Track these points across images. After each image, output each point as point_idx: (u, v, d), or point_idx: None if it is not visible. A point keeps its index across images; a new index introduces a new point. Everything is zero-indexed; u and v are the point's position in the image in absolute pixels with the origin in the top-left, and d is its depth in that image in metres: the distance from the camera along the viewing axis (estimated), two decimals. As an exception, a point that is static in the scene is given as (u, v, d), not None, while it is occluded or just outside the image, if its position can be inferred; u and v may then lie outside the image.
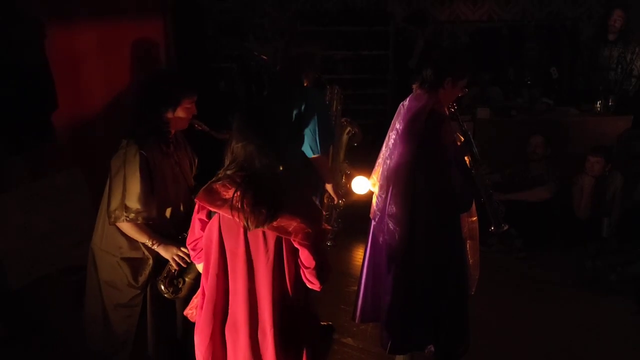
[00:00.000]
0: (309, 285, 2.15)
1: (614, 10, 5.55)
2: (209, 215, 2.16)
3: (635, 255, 4.32)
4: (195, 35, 5.49)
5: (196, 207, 2.17)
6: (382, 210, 2.95)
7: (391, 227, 2.89)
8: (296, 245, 2.06)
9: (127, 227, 2.61)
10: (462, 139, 3.05)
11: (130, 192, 2.54)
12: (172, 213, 2.74)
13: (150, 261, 2.71)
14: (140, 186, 2.54)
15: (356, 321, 3.29)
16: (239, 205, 1.99)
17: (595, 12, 6.88)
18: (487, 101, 5.82)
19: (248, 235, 2.08)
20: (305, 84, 3.27)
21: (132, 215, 2.55)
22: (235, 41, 6.16)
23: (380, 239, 2.99)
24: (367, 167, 3.20)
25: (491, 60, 6.52)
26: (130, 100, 3.82)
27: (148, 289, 2.75)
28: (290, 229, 2.02)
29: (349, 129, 3.72)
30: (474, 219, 3.09)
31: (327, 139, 3.26)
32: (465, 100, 5.95)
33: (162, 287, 2.69)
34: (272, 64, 5.03)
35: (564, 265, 4.58)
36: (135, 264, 2.71)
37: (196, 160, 2.91)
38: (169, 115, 2.63)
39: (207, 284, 2.16)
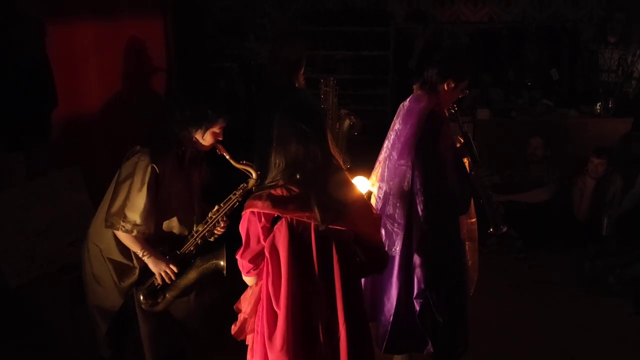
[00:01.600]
0: (378, 270, 2.32)
1: (613, 13, 5.56)
2: (273, 222, 2.08)
3: (634, 257, 4.31)
4: (195, 34, 5.49)
5: (252, 217, 2.06)
6: (381, 210, 2.94)
7: (389, 228, 2.89)
8: (366, 237, 2.12)
9: (122, 236, 2.57)
10: (462, 140, 3.04)
11: (132, 204, 2.49)
12: (169, 228, 2.69)
13: (137, 270, 2.67)
14: (145, 201, 2.48)
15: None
16: (313, 206, 1.98)
17: (596, 14, 6.88)
18: (488, 102, 5.82)
19: (318, 235, 2.05)
20: (296, 85, 3.23)
21: (128, 227, 2.50)
22: (235, 41, 6.16)
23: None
24: (367, 167, 3.19)
25: (491, 61, 6.52)
26: (158, 108, 3.78)
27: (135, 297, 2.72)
28: (361, 221, 2.09)
29: (347, 120, 3.69)
30: (473, 220, 3.08)
31: None
32: (466, 101, 5.95)
33: (141, 297, 2.66)
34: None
35: (563, 266, 4.58)
36: (121, 267, 2.68)
37: (206, 174, 2.80)
38: (196, 136, 2.54)
39: (279, 293, 2.07)
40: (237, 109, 5.23)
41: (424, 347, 3.04)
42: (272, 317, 2.11)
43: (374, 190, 3.09)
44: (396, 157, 2.87)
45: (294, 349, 2.08)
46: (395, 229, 2.86)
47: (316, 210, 1.98)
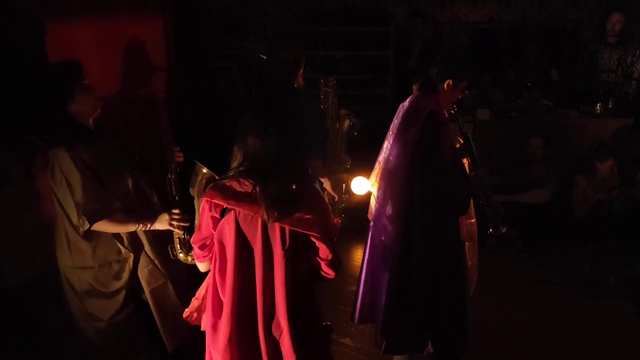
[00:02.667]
0: (325, 276, 2.19)
1: (612, 13, 5.56)
2: (222, 212, 2.14)
3: (634, 257, 4.32)
4: (196, 34, 5.48)
5: (205, 205, 2.14)
6: (380, 211, 2.94)
7: (388, 228, 2.89)
8: (313, 239, 2.09)
9: (107, 226, 2.51)
10: (462, 141, 3.04)
11: (82, 196, 2.44)
12: (130, 199, 2.64)
13: (131, 259, 2.66)
14: (86, 184, 2.44)
15: (355, 322, 3.28)
16: (261, 200, 2.00)
17: (596, 14, 6.88)
18: (488, 102, 5.82)
19: (266, 229, 2.08)
20: (295, 85, 3.22)
21: (96, 216, 2.45)
22: (235, 41, 6.15)
23: (378, 239, 2.99)
24: (367, 168, 3.19)
25: (491, 61, 6.52)
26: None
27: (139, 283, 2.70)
28: (308, 223, 2.05)
29: (347, 121, 3.69)
30: (473, 221, 3.08)
31: (320, 142, 3.23)
32: (466, 101, 5.95)
33: (183, 256, 2.64)
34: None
35: (563, 266, 4.58)
36: (114, 267, 2.65)
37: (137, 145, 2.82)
38: (72, 106, 2.48)
39: (224, 283, 2.15)
40: (236, 109, 5.22)
41: (423, 347, 3.04)
42: (218, 305, 2.19)
43: (374, 190, 3.08)
44: (396, 158, 2.86)
45: (237, 340, 2.15)
46: (395, 229, 2.86)
47: (263, 207, 2.01)
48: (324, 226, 2.08)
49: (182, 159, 2.76)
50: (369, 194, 3.17)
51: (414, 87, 2.94)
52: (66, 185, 2.45)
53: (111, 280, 2.66)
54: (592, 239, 4.61)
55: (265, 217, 2.02)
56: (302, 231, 2.07)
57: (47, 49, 3.54)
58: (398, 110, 2.99)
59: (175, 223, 2.60)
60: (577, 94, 6.04)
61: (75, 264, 2.64)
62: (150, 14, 4.73)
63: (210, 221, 2.16)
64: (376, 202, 2.99)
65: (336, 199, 3.49)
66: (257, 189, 2.02)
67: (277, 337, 2.15)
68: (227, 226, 2.12)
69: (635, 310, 3.97)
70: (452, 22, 7.07)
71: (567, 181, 5.00)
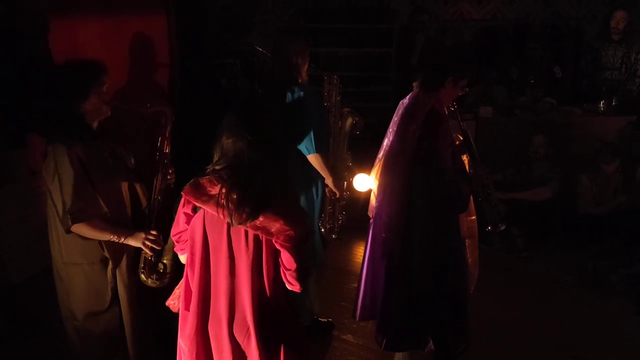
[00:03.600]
0: (288, 287, 2.14)
1: (616, 11, 5.54)
2: (195, 209, 2.15)
3: (637, 256, 4.30)
4: (198, 31, 5.48)
5: (182, 200, 2.16)
6: (380, 208, 2.94)
7: (389, 226, 2.89)
8: (277, 247, 2.06)
9: (84, 229, 2.48)
10: (461, 138, 3.04)
11: (72, 194, 2.42)
12: (121, 205, 2.64)
13: (110, 262, 2.62)
14: (80, 185, 2.42)
15: (356, 319, 3.29)
16: (224, 202, 1.99)
17: (599, 12, 6.87)
18: (490, 100, 5.81)
19: (231, 231, 2.07)
20: (299, 81, 3.22)
21: (81, 215, 2.43)
22: (238, 38, 6.15)
23: (378, 237, 2.99)
24: (369, 164, 3.19)
25: (494, 59, 6.51)
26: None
27: (117, 285, 2.67)
28: (272, 230, 2.02)
29: (350, 119, 3.69)
30: (473, 217, 3.09)
31: (323, 137, 3.23)
32: (469, 98, 5.94)
33: (144, 277, 2.63)
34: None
35: (565, 265, 4.57)
36: (104, 266, 2.63)
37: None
38: (82, 108, 2.48)
39: (194, 278, 2.16)
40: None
41: (424, 345, 3.04)
42: (189, 296, 2.21)
43: (374, 187, 3.08)
44: (396, 155, 2.86)
45: (202, 334, 2.17)
46: (395, 227, 2.86)
47: (227, 209, 1.99)
48: (290, 235, 2.02)
49: (173, 180, 2.73)
50: (370, 191, 3.17)
51: (414, 84, 2.94)
52: (57, 180, 2.43)
53: (100, 279, 2.63)
54: (595, 238, 4.60)
55: (229, 219, 2.00)
56: (266, 237, 2.05)
57: (50, 44, 3.54)
58: (398, 107, 2.99)
59: (148, 243, 2.59)
60: (580, 92, 6.03)
61: (65, 259, 2.62)
62: (154, 10, 4.73)
63: (183, 216, 2.18)
64: (376, 199, 3.00)
65: (337, 196, 3.49)
66: (223, 190, 2.00)
67: (241, 339, 2.13)
68: (197, 224, 2.13)
69: (638, 309, 3.96)
70: (456, 20, 7.05)
71: (570, 179, 4.99)
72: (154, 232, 2.60)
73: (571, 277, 4.39)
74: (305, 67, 3.29)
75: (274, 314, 2.17)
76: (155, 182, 2.66)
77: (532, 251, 4.77)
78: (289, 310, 2.27)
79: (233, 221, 2.00)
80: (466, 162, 3.00)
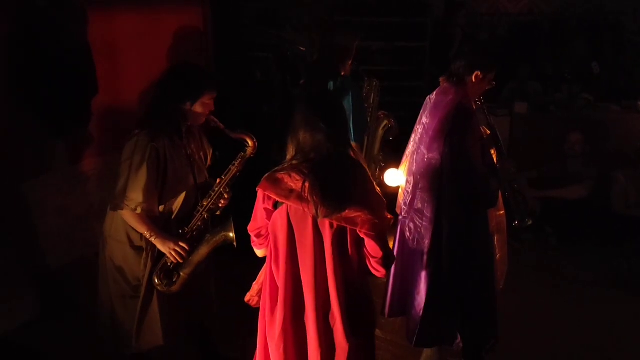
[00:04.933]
0: (374, 273, 2.16)
1: None
2: (275, 205, 2.14)
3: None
4: (233, 24, 5.52)
5: (261, 196, 2.15)
6: (409, 205, 2.93)
7: (418, 223, 2.88)
8: (362, 236, 2.07)
9: (127, 216, 2.59)
10: (488, 132, 3.02)
11: (134, 182, 2.52)
12: (178, 206, 2.72)
13: (150, 252, 2.70)
14: (145, 179, 2.51)
15: (385, 316, 3.29)
16: (309, 196, 1.99)
17: (640, 6, 6.70)
18: (526, 96, 5.73)
19: (316, 224, 2.08)
20: (342, 74, 3.29)
21: (132, 205, 2.53)
22: (271, 31, 6.18)
23: (407, 233, 2.98)
24: (398, 160, 3.19)
25: (530, 54, 6.40)
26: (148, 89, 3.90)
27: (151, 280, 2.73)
28: (358, 220, 2.03)
29: (385, 122, 3.72)
30: (502, 212, 3.06)
31: (361, 127, 3.27)
32: (504, 94, 5.87)
33: (156, 280, 2.68)
34: (309, 54, 5.02)
35: (598, 264, 4.50)
36: (142, 254, 2.71)
37: (211, 152, 2.88)
38: (187, 107, 2.60)
39: (278, 273, 2.17)
40: (272, 99, 5.26)
41: (453, 340, 3.03)
42: (275, 292, 2.20)
43: (403, 184, 3.08)
44: (425, 151, 2.85)
45: (291, 328, 2.17)
46: (424, 223, 2.85)
47: (312, 203, 1.99)
48: (374, 224, 2.04)
49: (225, 205, 2.77)
50: (398, 188, 3.17)
51: (441, 80, 2.92)
52: (129, 164, 2.53)
53: (136, 263, 2.71)
54: (629, 237, 4.52)
55: (314, 212, 2.00)
56: (352, 228, 2.06)
57: (88, 37, 3.61)
58: (425, 103, 2.97)
59: (174, 254, 2.65)
60: (618, 88, 5.90)
61: (112, 233, 2.72)
62: (189, 3, 4.79)
63: (264, 212, 2.17)
64: (405, 195, 2.99)
65: None
66: (307, 184, 1.99)
67: (329, 330, 2.16)
68: (279, 219, 2.13)
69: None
70: (491, 14, 6.96)
71: (606, 177, 4.90)
72: (183, 245, 2.65)
73: (604, 277, 4.32)
74: (350, 62, 3.35)
75: (359, 304, 2.19)
76: (208, 200, 2.72)
77: (565, 249, 4.70)
78: (369, 299, 2.29)
79: (319, 214, 1.99)
80: (494, 156, 2.98)
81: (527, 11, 6.94)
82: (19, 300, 3.43)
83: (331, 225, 2.07)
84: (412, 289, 3.01)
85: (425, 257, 2.91)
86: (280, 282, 2.16)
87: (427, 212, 2.85)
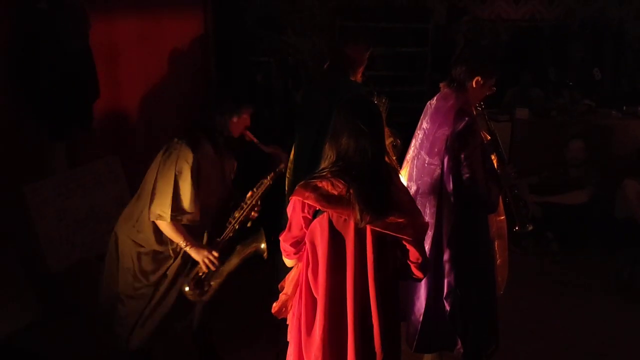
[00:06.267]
0: (414, 278, 2.18)
1: None
2: (315, 213, 2.10)
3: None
4: (234, 28, 5.54)
5: (299, 204, 2.09)
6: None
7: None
8: (404, 242, 2.06)
9: (166, 226, 2.64)
10: (489, 137, 3.02)
11: (182, 195, 2.58)
12: (209, 215, 2.77)
13: (172, 260, 2.74)
14: (192, 190, 2.58)
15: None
16: (353, 202, 1.97)
17: (642, 13, 6.70)
18: (527, 101, 5.73)
19: (358, 232, 2.06)
20: (352, 79, 3.30)
21: (179, 216, 2.58)
22: (273, 35, 6.20)
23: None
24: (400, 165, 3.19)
25: (532, 59, 6.41)
26: (196, 100, 3.91)
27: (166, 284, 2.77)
28: (400, 226, 2.02)
29: (391, 139, 3.73)
30: (502, 218, 3.05)
31: None
32: (505, 99, 5.87)
33: (187, 289, 2.70)
34: (311, 58, 5.03)
35: (600, 270, 4.48)
36: (158, 257, 2.74)
37: (235, 165, 2.93)
38: (230, 120, 2.68)
39: (317, 283, 2.13)
40: (273, 104, 5.27)
41: (454, 346, 3.02)
42: (311, 302, 2.17)
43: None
44: (425, 157, 2.85)
45: (330, 339, 2.12)
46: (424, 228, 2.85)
47: (356, 209, 1.97)
48: (414, 229, 2.04)
49: (255, 217, 2.82)
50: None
51: (441, 85, 2.92)
52: (175, 176, 2.57)
53: (145, 267, 2.75)
54: (631, 243, 4.50)
55: (359, 219, 1.98)
56: (394, 234, 2.04)
57: (90, 40, 3.62)
58: (425, 109, 2.97)
59: (207, 262, 2.69)
60: (620, 94, 5.90)
61: (131, 235, 2.75)
62: (191, 7, 4.81)
63: (302, 221, 2.12)
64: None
65: None
66: (351, 190, 1.97)
67: (367, 338, 2.13)
68: (319, 227, 2.09)
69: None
70: (493, 20, 6.97)
71: (608, 183, 4.89)
72: (215, 254, 2.69)
73: (606, 283, 4.31)
74: (361, 69, 3.36)
75: (394, 312, 2.19)
76: (240, 212, 2.76)
77: (566, 255, 4.69)
78: (398, 305, 2.29)
79: (363, 221, 1.98)
80: (494, 162, 2.98)
81: (529, 17, 6.95)
82: (19, 302, 3.42)
83: (372, 232, 2.04)
84: (412, 294, 3.00)
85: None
86: (320, 292, 2.11)
87: (428, 217, 2.84)
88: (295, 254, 2.21)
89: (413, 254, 2.09)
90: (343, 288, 2.10)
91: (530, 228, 3.10)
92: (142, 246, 2.73)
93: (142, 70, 4.19)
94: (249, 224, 2.81)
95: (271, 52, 5.81)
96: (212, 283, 2.73)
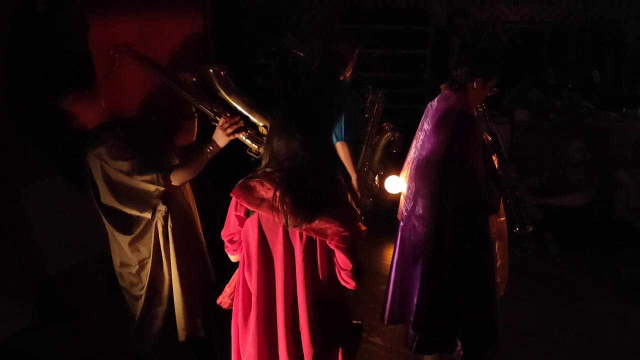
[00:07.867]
0: (344, 285, 2.13)
1: None
2: (248, 212, 2.12)
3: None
4: (234, 30, 5.54)
5: (233, 203, 2.12)
6: (410, 211, 2.93)
7: (418, 229, 2.87)
8: (332, 248, 2.03)
9: (183, 174, 2.56)
10: (490, 139, 3.02)
11: (138, 161, 2.56)
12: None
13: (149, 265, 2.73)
14: (138, 154, 2.59)
15: (385, 322, 3.28)
16: (279, 206, 1.95)
17: (641, 15, 6.70)
18: (527, 103, 5.73)
19: (287, 233, 2.07)
20: (340, 78, 3.32)
21: (162, 169, 2.54)
22: (273, 38, 6.19)
23: (408, 240, 2.98)
24: (399, 167, 3.19)
25: (531, 62, 6.41)
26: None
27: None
28: (328, 232, 1.99)
29: (388, 134, 3.73)
30: (503, 219, 3.05)
31: (352, 129, 3.30)
32: (505, 102, 5.87)
33: (256, 147, 2.59)
34: (310, 60, 5.03)
35: (600, 271, 4.48)
36: (138, 270, 2.76)
37: None
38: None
39: (251, 280, 2.16)
40: (273, 106, 5.26)
41: (453, 348, 3.02)
42: (248, 298, 2.20)
43: (404, 190, 3.07)
44: (426, 158, 2.85)
45: (264, 334, 2.16)
46: (425, 230, 2.84)
47: (282, 212, 1.95)
48: (344, 236, 2.00)
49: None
50: (399, 194, 3.16)
51: (442, 87, 2.93)
52: (114, 171, 2.60)
53: (135, 284, 2.79)
54: (630, 244, 4.50)
55: (285, 223, 1.98)
56: (322, 239, 2.03)
57: (88, 41, 3.61)
58: (426, 110, 2.97)
59: (232, 130, 2.55)
60: (620, 96, 5.90)
61: (116, 262, 2.78)
62: (190, 9, 4.80)
63: (236, 219, 2.15)
64: (406, 202, 2.98)
65: (358, 196, 3.52)
66: (278, 193, 1.95)
67: (297, 339, 2.15)
68: (251, 227, 2.11)
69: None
70: (492, 22, 6.97)
71: (607, 184, 4.89)
72: (222, 119, 2.57)
73: (605, 284, 4.30)
74: (351, 67, 3.39)
75: (329, 312, 2.16)
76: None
77: (566, 257, 4.68)
78: (342, 308, 2.26)
79: (288, 224, 1.97)
80: (495, 163, 2.98)
81: (528, 19, 6.95)
82: (16, 305, 3.41)
83: (301, 236, 2.04)
84: (411, 295, 3.00)
85: (426, 264, 2.90)
86: (253, 289, 2.15)
87: (429, 219, 2.84)
88: (234, 250, 2.25)
89: (342, 260, 2.05)
90: (273, 288, 2.12)
91: (530, 230, 3.11)
92: (125, 265, 2.75)
93: (142, 72, 4.18)
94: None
95: (271, 55, 5.80)
96: (260, 124, 2.64)
